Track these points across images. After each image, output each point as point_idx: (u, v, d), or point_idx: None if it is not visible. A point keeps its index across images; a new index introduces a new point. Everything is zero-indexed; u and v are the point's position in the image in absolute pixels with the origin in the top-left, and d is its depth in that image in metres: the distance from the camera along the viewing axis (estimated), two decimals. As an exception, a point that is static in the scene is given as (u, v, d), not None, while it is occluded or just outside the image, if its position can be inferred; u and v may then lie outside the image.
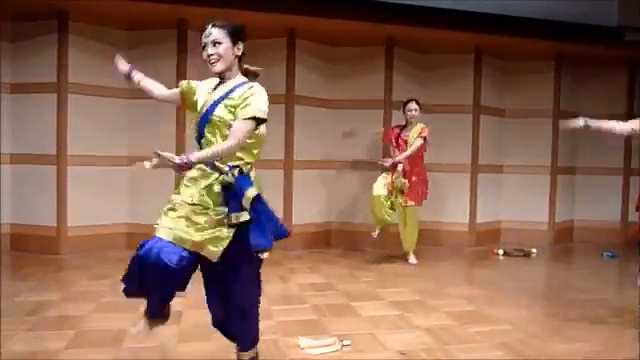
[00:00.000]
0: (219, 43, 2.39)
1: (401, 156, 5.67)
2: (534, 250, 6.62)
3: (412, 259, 5.85)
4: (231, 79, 2.46)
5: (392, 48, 6.81)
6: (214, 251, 2.37)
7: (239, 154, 2.41)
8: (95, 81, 5.97)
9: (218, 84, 2.49)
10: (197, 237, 2.35)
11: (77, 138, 5.88)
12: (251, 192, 2.37)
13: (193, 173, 2.41)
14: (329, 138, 6.78)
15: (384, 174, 5.73)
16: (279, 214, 6.42)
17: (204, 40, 2.42)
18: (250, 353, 2.68)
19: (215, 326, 2.73)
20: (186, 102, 2.55)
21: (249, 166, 2.46)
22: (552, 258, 6.76)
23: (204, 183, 2.39)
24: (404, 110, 5.83)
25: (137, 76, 2.70)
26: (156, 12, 5.86)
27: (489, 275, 5.62)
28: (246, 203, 2.35)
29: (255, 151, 2.48)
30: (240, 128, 2.33)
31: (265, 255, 2.46)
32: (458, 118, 7.04)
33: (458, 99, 7.05)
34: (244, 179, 2.40)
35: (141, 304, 3.94)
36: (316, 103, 6.68)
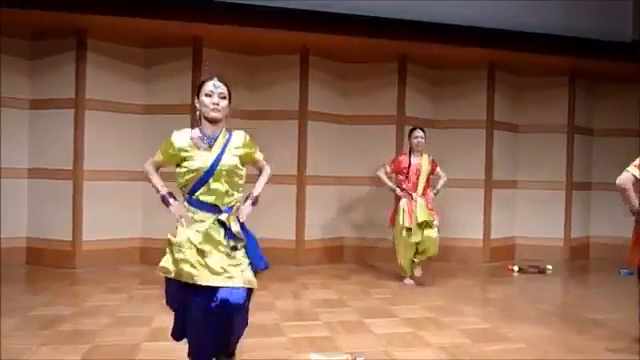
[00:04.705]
0: (224, 98, 2.68)
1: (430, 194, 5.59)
2: (549, 267, 6.54)
3: (418, 270, 5.67)
4: (220, 128, 2.70)
5: (405, 64, 6.84)
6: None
7: (236, 194, 2.69)
8: (112, 97, 6.07)
9: (200, 137, 2.67)
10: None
11: (93, 153, 5.96)
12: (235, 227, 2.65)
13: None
14: (341, 154, 6.79)
15: (405, 207, 5.50)
16: (291, 229, 6.54)
17: (212, 89, 2.64)
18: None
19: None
20: (169, 163, 2.76)
21: (238, 203, 2.72)
22: (568, 275, 6.67)
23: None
24: (410, 137, 5.68)
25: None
26: (172, 30, 5.95)
27: (504, 292, 5.55)
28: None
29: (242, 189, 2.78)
30: (263, 160, 2.91)
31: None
32: (472, 133, 7.03)
33: (472, 115, 7.05)
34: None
35: (153, 318, 3.97)
36: (329, 119, 6.71)
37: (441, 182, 5.73)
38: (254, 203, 2.78)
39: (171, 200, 2.70)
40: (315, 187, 6.54)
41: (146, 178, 2.84)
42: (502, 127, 7.21)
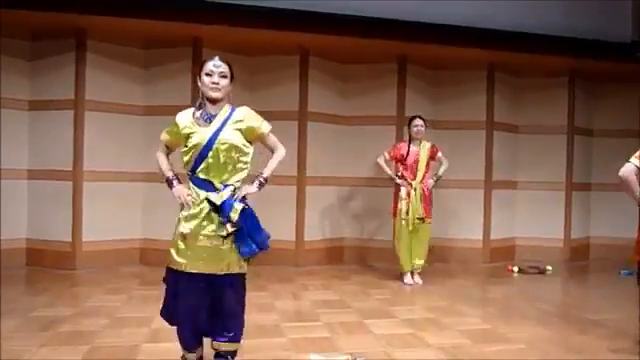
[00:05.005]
0: (225, 77, 2.72)
1: (431, 181, 5.63)
2: (549, 267, 6.54)
3: (417, 278, 5.71)
4: (221, 107, 2.74)
5: (404, 65, 6.84)
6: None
7: (238, 174, 2.71)
8: (112, 98, 6.07)
9: (202, 114, 2.73)
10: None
11: (93, 154, 5.95)
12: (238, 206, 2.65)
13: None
14: (341, 154, 6.79)
15: (403, 194, 5.54)
16: (291, 230, 6.53)
17: (212, 69, 2.68)
18: (237, 345, 2.83)
19: (195, 338, 2.79)
20: (175, 143, 2.88)
21: (239, 183, 2.73)
22: (568, 276, 6.67)
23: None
24: (409, 126, 5.72)
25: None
26: (172, 31, 5.95)
27: (504, 293, 5.56)
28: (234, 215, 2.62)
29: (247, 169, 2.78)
30: (276, 139, 2.88)
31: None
32: (472, 134, 7.03)
33: (471, 115, 7.05)
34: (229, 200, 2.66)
35: (153, 319, 3.97)
36: (329, 120, 6.71)
37: (442, 168, 5.70)
38: (261, 184, 2.78)
39: (174, 182, 2.77)
40: (315, 187, 6.54)
41: (157, 168, 2.90)
42: (502, 128, 7.21)
